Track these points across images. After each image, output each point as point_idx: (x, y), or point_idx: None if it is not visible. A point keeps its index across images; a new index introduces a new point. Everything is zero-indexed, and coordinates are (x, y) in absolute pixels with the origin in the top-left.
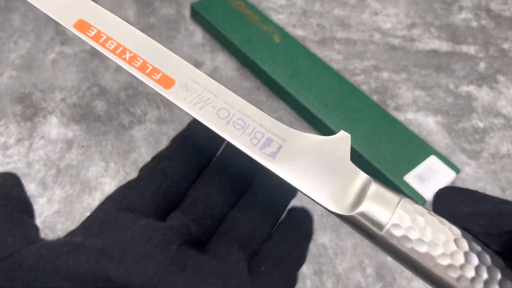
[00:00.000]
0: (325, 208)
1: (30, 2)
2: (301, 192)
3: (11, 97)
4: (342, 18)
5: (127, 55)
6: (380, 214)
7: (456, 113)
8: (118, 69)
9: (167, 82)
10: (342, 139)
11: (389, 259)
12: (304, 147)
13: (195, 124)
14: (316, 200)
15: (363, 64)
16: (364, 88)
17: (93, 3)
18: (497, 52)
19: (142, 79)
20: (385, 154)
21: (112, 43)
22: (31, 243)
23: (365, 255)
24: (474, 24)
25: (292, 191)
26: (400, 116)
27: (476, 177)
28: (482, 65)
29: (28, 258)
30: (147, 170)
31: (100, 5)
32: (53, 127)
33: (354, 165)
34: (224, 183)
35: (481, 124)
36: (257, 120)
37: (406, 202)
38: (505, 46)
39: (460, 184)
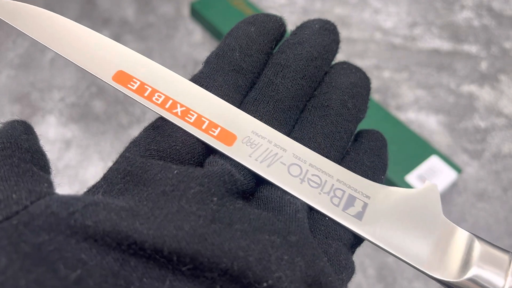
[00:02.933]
0: (428, 275)
1: (59, 53)
2: (395, 256)
3: (9, 97)
4: (342, 17)
5: (179, 109)
6: (493, 279)
7: (458, 112)
8: None
9: (227, 137)
10: (430, 191)
11: (390, 259)
12: (391, 203)
13: (229, 40)
14: (417, 267)
15: (364, 63)
16: None
17: (132, 51)
18: (498, 51)
19: (199, 136)
20: None
21: (159, 96)
22: (40, 197)
23: (366, 256)
24: (476, 23)
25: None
26: (402, 116)
27: (478, 177)
28: (483, 65)
29: (36, 216)
30: None
31: (99, 4)
32: (52, 127)
33: (448, 220)
34: (271, 113)
35: (482, 124)
36: (334, 174)
37: None
38: (507, 45)
39: (461, 184)
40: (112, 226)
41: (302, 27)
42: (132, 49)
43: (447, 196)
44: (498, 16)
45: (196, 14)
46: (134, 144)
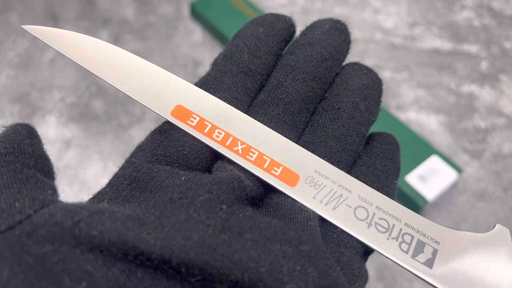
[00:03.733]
0: None
1: (122, 90)
2: None
3: (9, 97)
4: (343, 16)
5: (239, 147)
6: None
7: (458, 112)
8: None
9: (290, 177)
10: (501, 235)
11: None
12: (461, 249)
13: (238, 41)
14: None
15: (364, 63)
16: None
17: (190, 84)
18: (499, 51)
19: (260, 175)
20: None
21: (219, 133)
22: (44, 206)
23: None
24: (476, 23)
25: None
26: (402, 116)
27: (478, 177)
28: (484, 65)
29: (40, 226)
30: None
31: (99, 4)
32: (51, 127)
33: None
34: (281, 116)
35: (483, 124)
36: (402, 218)
37: None
38: (507, 45)
39: (461, 184)
40: (118, 236)
41: (312, 27)
42: (132, 49)
43: (447, 196)
44: (498, 16)
45: (196, 14)
46: (140, 149)
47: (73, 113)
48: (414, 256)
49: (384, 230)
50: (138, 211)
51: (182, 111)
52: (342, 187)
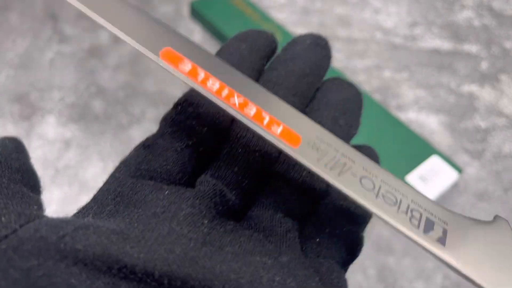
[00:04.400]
0: None
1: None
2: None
3: (8, 97)
4: (343, 16)
5: (236, 101)
6: None
7: (458, 112)
8: (117, 68)
9: (291, 138)
10: (501, 224)
11: (390, 260)
12: (468, 232)
13: (221, 57)
14: None
15: (364, 63)
16: (365, 87)
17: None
18: (499, 51)
19: (261, 133)
20: (387, 154)
21: (213, 83)
22: (30, 221)
23: (366, 256)
24: (476, 23)
25: (355, 127)
26: (402, 116)
27: (479, 177)
28: (484, 64)
29: (26, 240)
30: (168, 123)
31: None
32: (51, 127)
33: None
34: None
35: (483, 124)
36: (408, 195)
37: None
38: (508, 45)
39: (462, 184)
40: (102, 249)
41: (293, 43)
42: (132, 49)
43: (448, 196)
44: (498, 16)
45: (196, 14)
46: (124, 164)
47: (73, 113)
48: (426, 232)
49: (392, 203)
50: (122, 225)
51: (172, 55)
52: (345, 156)
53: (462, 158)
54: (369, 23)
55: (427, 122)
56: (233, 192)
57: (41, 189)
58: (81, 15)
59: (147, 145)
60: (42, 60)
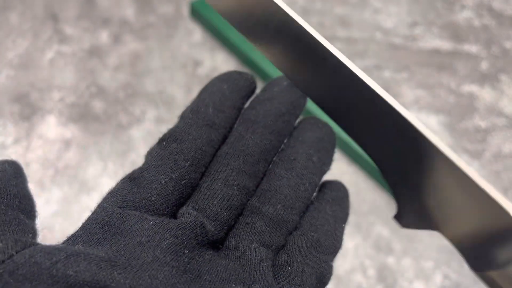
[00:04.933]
0: None
1: None
2: None
3: (8, 97)
4: (343, 16)
5: None
6: None
7: (458, 112)
8: (117, 68)
9: None
10: None
11: (390, 260)
12: None
13: (204, 96)
14: None
15: (364, 63)
16: None
17: None
18: (499, 51)
19: None
20: None
21: None
22: (25, 247)
23: (366, 256)
24: (476, 23)
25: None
26: None
27: None
28: (484, 64)
29: (21, 266)
30: (154, 157)
31: (99, 4)
32: (51, 127)
33: None
34: (241, 166)
35: (483, 124)
36: None
37: None
38: (507, 45)
39: None
40: (91, 275)
41: (271, 84)
42: (132, 49)
43: None
44: (498, 16)
45: (196, 13)
46: (112, 194)
47: (73, 113)
48: None
49: None
50: (110, 253)
51: None
52: None
53: (462, 158)
54: (369, 23)
55: (427, 122)
56: (213, 224)
57: (36, 214)
58: (82, 15)
59: (133, 178)
60: (42, 60)
